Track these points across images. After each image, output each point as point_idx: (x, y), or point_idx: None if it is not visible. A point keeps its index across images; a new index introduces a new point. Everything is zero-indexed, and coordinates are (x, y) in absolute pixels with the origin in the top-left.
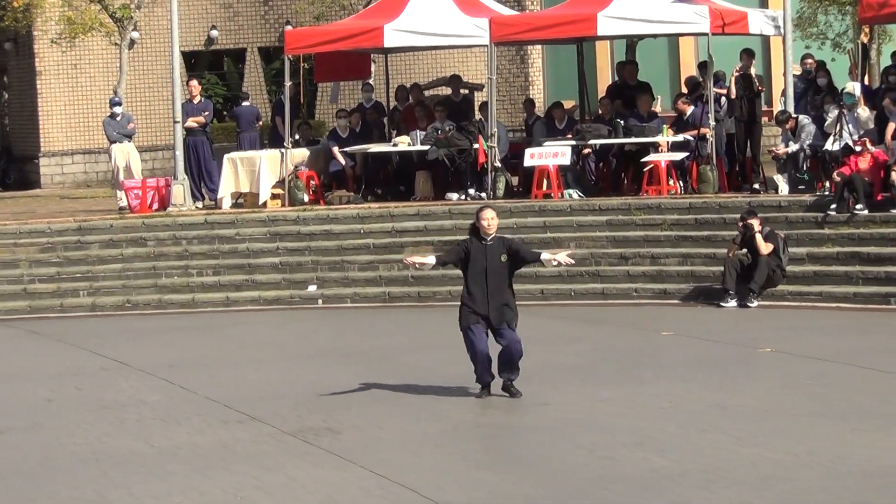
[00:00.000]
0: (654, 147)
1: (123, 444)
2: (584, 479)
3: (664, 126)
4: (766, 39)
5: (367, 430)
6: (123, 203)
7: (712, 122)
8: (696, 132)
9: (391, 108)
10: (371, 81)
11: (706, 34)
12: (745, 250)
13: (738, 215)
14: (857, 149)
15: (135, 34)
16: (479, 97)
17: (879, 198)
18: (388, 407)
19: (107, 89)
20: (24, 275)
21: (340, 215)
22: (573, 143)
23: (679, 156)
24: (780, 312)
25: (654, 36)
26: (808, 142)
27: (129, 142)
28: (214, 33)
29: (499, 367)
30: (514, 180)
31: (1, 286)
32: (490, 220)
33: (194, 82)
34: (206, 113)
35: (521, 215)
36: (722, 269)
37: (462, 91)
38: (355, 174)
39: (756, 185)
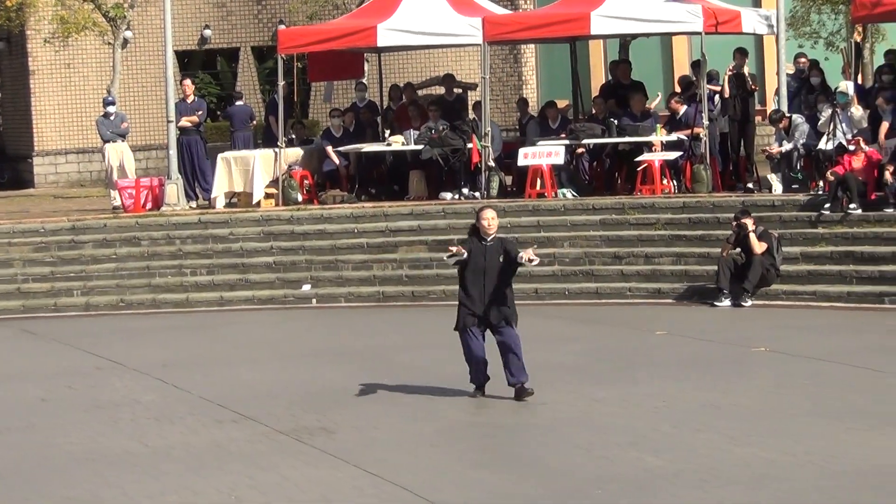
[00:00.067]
0: (648, 146)
1: (117, 443)
2: (580, 478)
3: (657, 125)
4: (759, 38)
5: (362, 429)
6: (117, 202)
7: (706, 122)
8: (689, 131)
9: (385, 107)
10: (364, 81)
11: (699, 33)
12: (738, 249)
13: (732, 215)
14: (851, 148)
15: (128, 33)
16: (472, 96)
17: (873, 197)
18: (383, 406)
19: (100, 89)
20: (17, 274)
21: (334, 215)
22: (567, 142)
23: (673, 155)
24: (773, 312)
25: (648, 35)
26: (801, 141)
27: (123, 141)
28: (208, 33)
29: (506, 370)
30: (508, 180)
31: None
32: (490, 220)
33: (188, 81)
34: (200, 112)
35: (515, 215)
36: (716, 268)
37: (455, 90)
38: (349, 173)
39: (750, 185)
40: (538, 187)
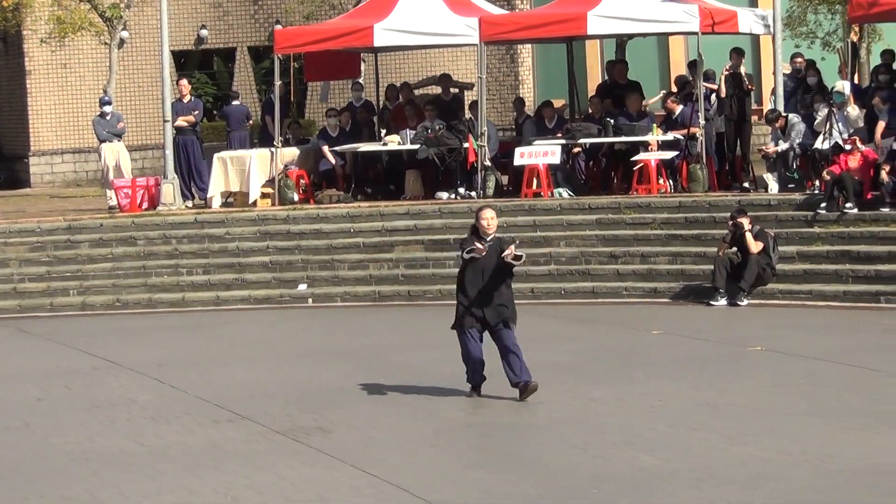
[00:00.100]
0: (644, 146)
1: (114, 443)
2: (577, 478)
3: (654, 125)
4: (755, 38)
5: (358, 429)
6: (113, 202)
7: (702, 121)
8: (685, 131)
9: (381, 107)
10: (361, 80)
11: (696, 33)
12: (734, 249)
13: (728, 214)
14: (847, 147)
15: (124, 33)
16: (468, 96)
17: (869, 196)
18: (379, 406)
19: (96, 88)
20: (13, 274)
21: (330, 214)
22: (563, 142)
23: (669, 155)
24: (769, 311)
25: (644, 35)
26: (797, 140)
27: (119, 141)
28: (204, 32)
29: (509, 370)
30: (504, 179)
31: None
32: (490, 220)
33: (184, 81)
34: (196, 112)
35: (511, 214)
36: (712, 267)
37: (452, 90)
38: (345, 173)
39: (746, 184)
40: (534, 187)
